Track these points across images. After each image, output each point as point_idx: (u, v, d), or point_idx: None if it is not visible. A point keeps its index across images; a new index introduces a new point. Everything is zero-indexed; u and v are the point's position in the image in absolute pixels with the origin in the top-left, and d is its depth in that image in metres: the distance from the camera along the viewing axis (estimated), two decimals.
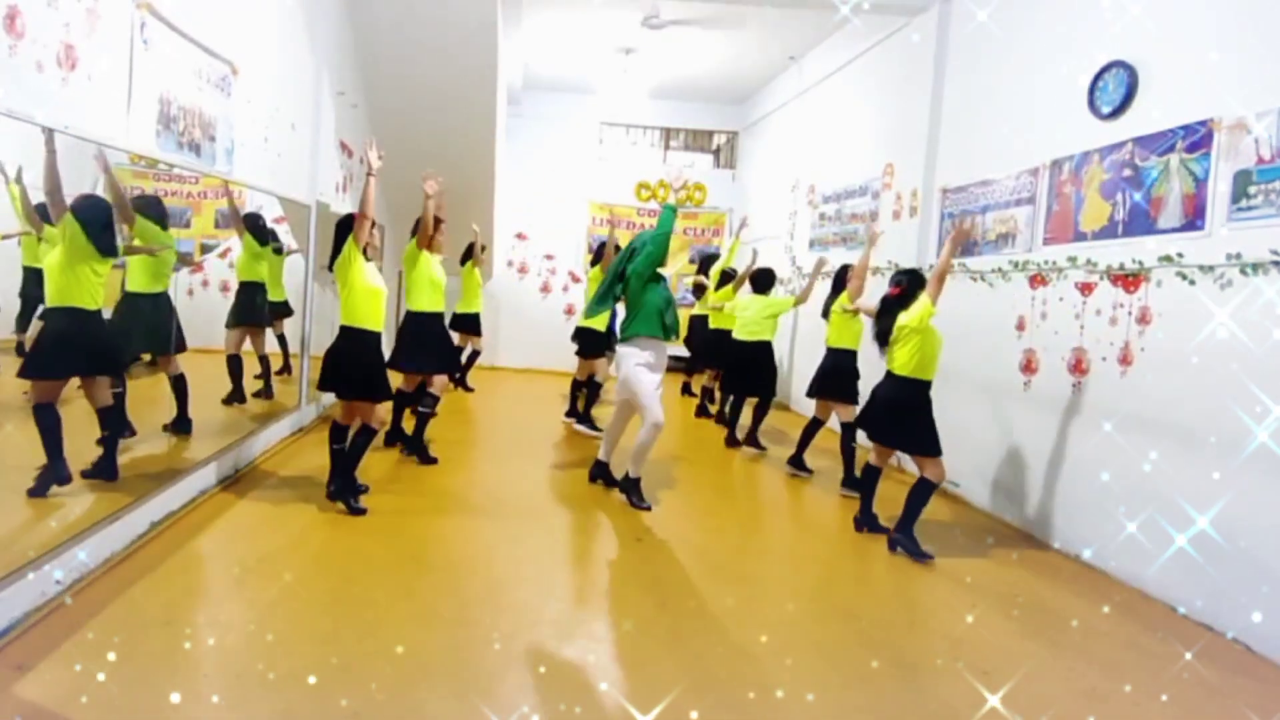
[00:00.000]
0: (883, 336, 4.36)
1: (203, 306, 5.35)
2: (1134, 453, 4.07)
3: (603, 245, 6.77)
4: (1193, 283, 3.81)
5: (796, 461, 5.83)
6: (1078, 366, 4.51)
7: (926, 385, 4.24)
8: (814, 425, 5.72)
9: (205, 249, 5.34)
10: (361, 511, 4.15)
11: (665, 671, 2.85)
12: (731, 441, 6.65)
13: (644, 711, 2.60)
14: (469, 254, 8.13)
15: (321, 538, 3.88)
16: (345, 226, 4.18)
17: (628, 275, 4.68)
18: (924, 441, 4.21)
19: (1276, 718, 2.89)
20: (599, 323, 6.64)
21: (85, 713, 2.31)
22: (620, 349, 4.74)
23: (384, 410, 4.39)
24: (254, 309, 5.57)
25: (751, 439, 6.51)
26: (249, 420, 5.39)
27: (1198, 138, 3.81)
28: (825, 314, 5.67)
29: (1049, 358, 4.75)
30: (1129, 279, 4.19)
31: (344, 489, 4.21)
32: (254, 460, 5.06)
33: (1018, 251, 5.11)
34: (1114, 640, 3.41)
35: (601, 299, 4.88)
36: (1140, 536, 3.99)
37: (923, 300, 4.17)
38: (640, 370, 4.61)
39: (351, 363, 4.17)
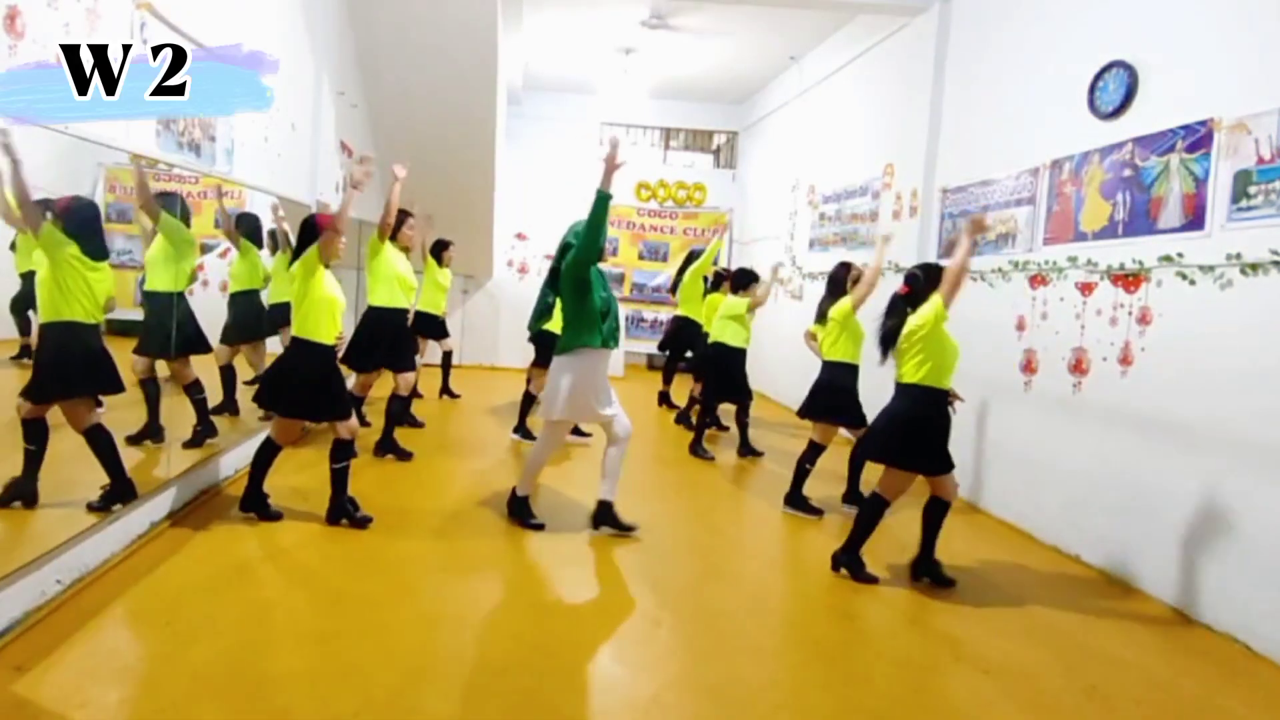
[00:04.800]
0: (888, 340, 3.84)
1: (202, 307, 5.31)
2: (1134, 452, 4.07)
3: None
4: (1193, 283, 3.81)
5: (795, 500, 4.93)
6: (1078, 366, 4.50)
7: (941, 395, 3.72)
8: (812, 452, 4.88)
9: (205, 249, 5.33)
10: (367, 521, 4.04)
11: (666, 671, 2.85)
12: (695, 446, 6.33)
13: (645, 711, 2.60)
14: (438, 251, 7.36)
15: (322, 538, 3.87)
16: (310, 228, 3.86)
17: (560, 277, 4.09)
18: (934, 459, 3.69)
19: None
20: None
21: (84, 713, 2.31)
22: (563, 361, 4.07)
23: (354, 423, 4.12)
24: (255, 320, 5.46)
25: (697, 447, 6.30)
26: (247, 422, 5.39)
27: (1198, 138, 3.81)
28: (820, 319, 5.01)
29: (1049, 358, 4.75)
30: (1129, 279, 4.19)
31: (340, 510, 4.05)
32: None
33: (1018, 251, 5.11)
34: (1113, 639, 3.41)
35: (539, 312, 4.39)
36: (1140, 536, 3.99)
37: (934, 301, 3.63)
38: (593, 384, 4.04)
39: (299, 379, 3.89)
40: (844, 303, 4.81)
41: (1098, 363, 4.37)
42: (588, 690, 2.69)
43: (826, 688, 2.84)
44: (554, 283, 4.22)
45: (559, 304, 4.27)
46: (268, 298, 5.68)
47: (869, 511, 3.80)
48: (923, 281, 3.80)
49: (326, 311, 3.89)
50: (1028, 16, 5.22)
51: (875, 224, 7.16)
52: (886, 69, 7.18)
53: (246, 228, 5.33)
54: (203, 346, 4.67)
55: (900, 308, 3.85)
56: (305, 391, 3.91)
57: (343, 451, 4.03)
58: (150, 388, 4.27)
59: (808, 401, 4.94)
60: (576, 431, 6.42)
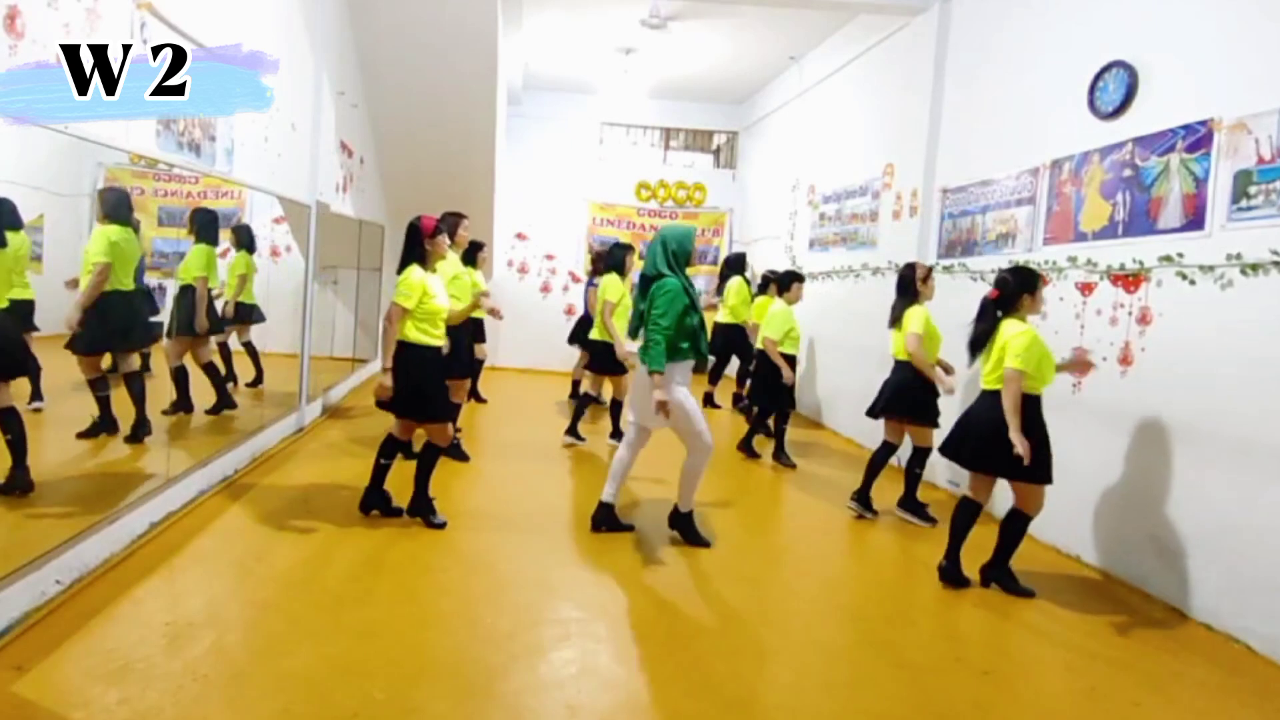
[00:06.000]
0: (977, 343, 3.77)
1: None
2: (1134, 452, 4.07)
3: (615, 247, 6.31)
4: (1193, 283, 3.81)
5: (862, 499, 4.93)
6: None
7: (1034, 401, 3.66)
8: (884, 451, 4.88)
9: None
10: (441, 525, 4.14)
11: (666, 672, 2.85)
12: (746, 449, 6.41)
13: (645, 712, 2.60)
14: (472, 253, 7.24)
15: (322, 539, 3.88)
16: (414, 234, 4.06)
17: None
18: (1026, 466, 3.59)
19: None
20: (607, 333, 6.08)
21: (84, 713, 2.31)
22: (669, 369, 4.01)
23: (449, 427, 4.25)
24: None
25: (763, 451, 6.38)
26: (247, 422, 5.39)
27: (1198, 138, 3.81)
28: (893, 323, 4.87)
29: None
30: (1129, 279, 4.19)
31: (419, 507, 4.20)
32: (253, 461, 5.06)
33: (1018, 251, 5.11)
34: (1113, 640, 3.41)
35: (637, 325, 4.31)
36: (1140, 536, 3.99)
37: (1028, 329, 3.65)
38: (687, 395, 4.11)
39: (406, 380, 4.01)
40: (920, 313, 4.73)
41: (1098, 362, 4.36)
42: (587, 691, 2.69)
43: (827, 688, 2.84)
44: (645, 293, 4.15)
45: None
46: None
47: (1012, 528, 3.83)
48: (1013, 285, 3.74)
49: (430, 316, 4.03)
50: (1028, 16, 5.22)
51: (875, 224, 7.16)
52: (886, 69, 7.18)
53: (200, 223, 5.03)
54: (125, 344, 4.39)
55: (991, 312, 3.78)
56: (411, 392, 4.02)
57: (429, 454, 4.19)
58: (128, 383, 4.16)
59: (886, 401, 4.85)
60: (573, 434, 6.44)
